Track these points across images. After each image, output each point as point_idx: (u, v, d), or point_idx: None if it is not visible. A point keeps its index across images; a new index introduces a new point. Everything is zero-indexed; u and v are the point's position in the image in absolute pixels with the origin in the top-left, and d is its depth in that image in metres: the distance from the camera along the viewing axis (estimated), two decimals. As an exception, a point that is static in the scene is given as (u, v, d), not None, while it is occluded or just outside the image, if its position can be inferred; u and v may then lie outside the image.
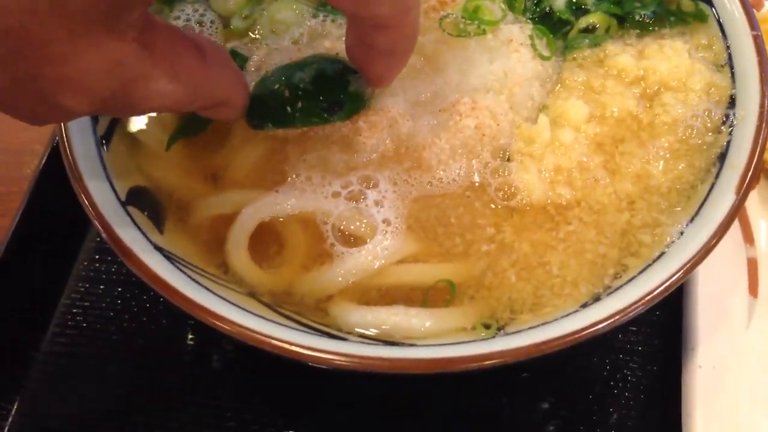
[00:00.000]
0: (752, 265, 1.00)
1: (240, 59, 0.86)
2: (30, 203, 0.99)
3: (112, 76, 0.55)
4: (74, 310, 0.97)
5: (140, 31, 0.56)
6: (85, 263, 1.01)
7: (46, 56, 0.51)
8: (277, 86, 0.73)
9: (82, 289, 0.99)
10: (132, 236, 0.70)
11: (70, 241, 1.02)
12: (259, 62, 0.86)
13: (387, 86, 0.77)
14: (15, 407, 0.92)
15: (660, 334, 0.96)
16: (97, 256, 1.01)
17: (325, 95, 0.74)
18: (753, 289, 0.98)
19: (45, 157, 1.02)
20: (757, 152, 0.76)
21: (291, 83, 0.73)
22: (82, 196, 0.72)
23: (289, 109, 0.73)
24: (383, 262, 0.73)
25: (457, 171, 0.78)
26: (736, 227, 1.03)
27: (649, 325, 0.96)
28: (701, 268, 0.73)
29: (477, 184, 0.79)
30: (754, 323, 0.94)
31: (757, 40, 0.84)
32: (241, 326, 0.66)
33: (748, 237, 1.02)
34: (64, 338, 0.96)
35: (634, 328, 0.96)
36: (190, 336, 0.96)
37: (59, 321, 0.97)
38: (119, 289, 0.98)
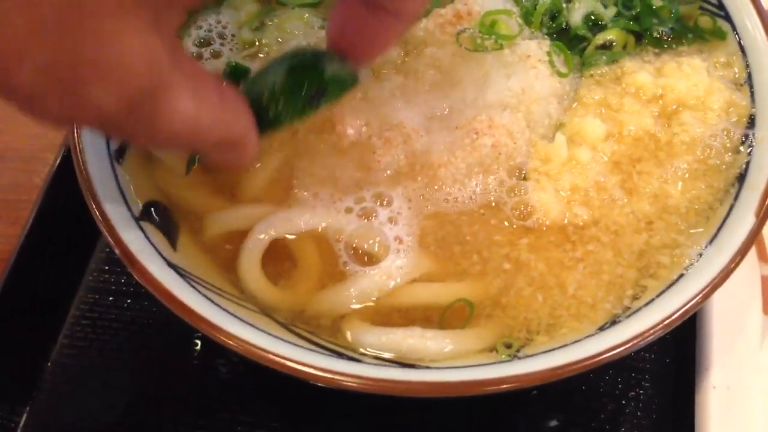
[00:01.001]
0: (766, 284, 0.99)
1: (241, 70, 0.84)
2: (40, 212, 0.98)
3: (146, 71, 0.51)
4: (83, 321, 0.96)
5: (174, 41, 0.54)
6: (95, 274, 1.00)
7: (91, 30, 0.47)
8: (254, 96, 0.71)
9: (92, 299, 0.98)
10: (145, 253, 0.70)
11: (80, 250, 1.02)
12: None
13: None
14: (24, 418, 0.91)
15: (673, 354, 0.94)
16: (106, 267, 1.00)
17: (305, 87, 0.70)
18: (767, 308, 0.97)
19: (55, 166, 1.02)
20: (778, 175, 0.75)
21: (266, 87, 0.70)
22: (96, 211, 0.71)
23: (272, 111, 0.70)
24: (398, 281, 0.72)
25: (473, 189, 0.77)
26: (750, 244, 1.02)
27: (662, 344, 0.95)
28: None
29: (493, 203, 0.78)
30: (768, 343, 0.93)
31: (778, 60, 0.83)
32: (253, 345, 0.65)
33: (763, 254, 1.01)
34: (73, 349, 0.95)
35: (646, 347, 0.95)
36: (199, 347, 0.95)
37: (69, 332, 0.96)
38: (129, 300, 0.97)
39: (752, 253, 1.02)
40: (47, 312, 0.97)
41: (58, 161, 1.01)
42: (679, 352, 0.95)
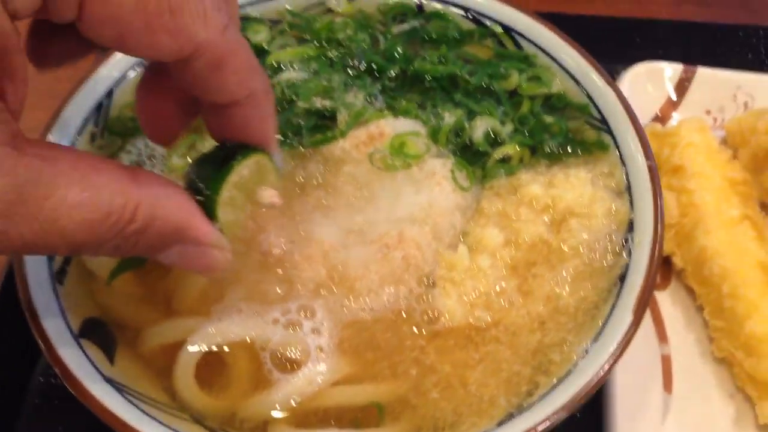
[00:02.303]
0: (666, 362, 1.08)
1: None
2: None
3: None
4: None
5: (15, 137, 0.52)
6: (41, 378, 1.04)
7: None
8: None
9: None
10: (83, 369, 0.76)
11: (25, 364, 1.05)
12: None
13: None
14: None
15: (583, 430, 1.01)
16: (53, 380, 1.03)
17: (217, 156, 0.72)
18: (667, 385, 1.06)
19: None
20: (651, 276, 0.84)
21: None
22: (36, 331, 0.77)
23: (202, 193, 0.69)
24: (318, 386, 0.80)
25: (386, 298, 0.86)
26: (650, 324, 1.12)
27: (570, 422, 1.02)
28: (619, 365, 0.79)
29: (404, 310, 0.86)
30: (669, 419, 1.01)
31: (652, 171, 0.92)
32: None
33: (661, 335, 1.11)
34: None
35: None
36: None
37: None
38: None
39: (653, 334, 1.11)
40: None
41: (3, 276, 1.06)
42: (587, 428, 1.02)
